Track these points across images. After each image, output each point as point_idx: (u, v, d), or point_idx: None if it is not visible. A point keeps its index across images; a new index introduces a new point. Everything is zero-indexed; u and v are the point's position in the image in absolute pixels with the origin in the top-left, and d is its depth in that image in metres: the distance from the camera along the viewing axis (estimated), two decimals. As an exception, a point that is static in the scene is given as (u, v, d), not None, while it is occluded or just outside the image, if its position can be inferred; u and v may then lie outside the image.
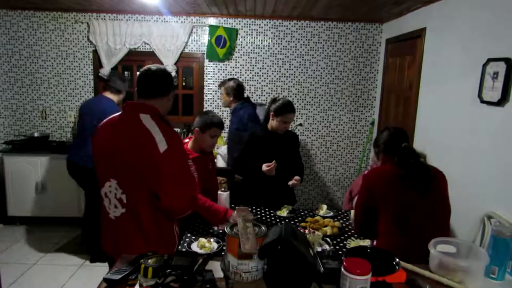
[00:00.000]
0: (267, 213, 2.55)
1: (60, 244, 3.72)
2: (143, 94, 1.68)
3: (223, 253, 1.57)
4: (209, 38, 4.21)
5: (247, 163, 2.65)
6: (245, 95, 3.58)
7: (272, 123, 2.63)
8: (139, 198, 1.62)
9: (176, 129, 4.27)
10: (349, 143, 4.56)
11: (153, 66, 1.73)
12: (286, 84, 4.42)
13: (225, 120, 4.42)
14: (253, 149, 2.65)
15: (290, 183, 2.65)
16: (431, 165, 1.92)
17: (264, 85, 4.42)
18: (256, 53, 4.35)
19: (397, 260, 1.43)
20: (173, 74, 4.29)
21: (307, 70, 4.39)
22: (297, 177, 2.65)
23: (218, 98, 4.43)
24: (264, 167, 2.51)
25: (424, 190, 1.81)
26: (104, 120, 1.76)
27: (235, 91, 3.41)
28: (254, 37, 4.32)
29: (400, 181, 1.81)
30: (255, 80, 4.40)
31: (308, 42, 4.32)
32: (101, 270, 3.11)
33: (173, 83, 1.76)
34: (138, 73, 1.72)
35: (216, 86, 4.41)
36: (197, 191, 1.71)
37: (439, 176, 1.91)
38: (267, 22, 4.28)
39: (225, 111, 4.43)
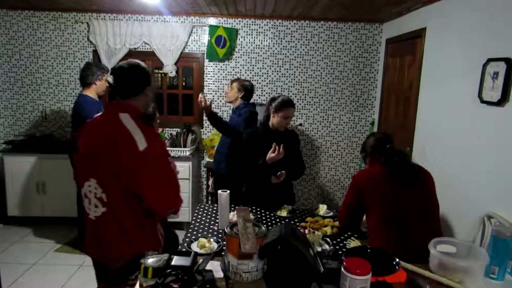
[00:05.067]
0: (267, 213, 2.55)
1: (60, 244, 3.72)
2: (121, 94, 1.68)
3: (223, 253, 1.57)
4: (209, 38, 4.21)
5: (251, 161, 2.63)
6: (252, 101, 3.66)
7: (274, 120, 2.64)
8: (118, 197, 1.61)
9: (176, 129, 4.31)
10: (349, 143, 4.56)
11: (125, 64, 1.69)
12: (286, 84, 4.42)
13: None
14: (255, 148, 2.65)
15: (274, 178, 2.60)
16: (416, 163, 2.02)
17: (264, 85, 4.42)
18: (256, 53, 4.35)
19: (397, 260, 1.44)
20: (173, 74, 4.29)
21: (307, 70, 4.39)
22: (282, 172, 2.60)
23: (218, 98, 4.43)
24: (270, 153, 2.48)
25: (411, 186, 1.88)
26: (87, 121, 1.76)
27: (248, 92, 3.50)
28: (254, 37, 4.32)
29: (388, 179, 1.90)
30: (255, 80, 4.39)
31: (308, 42, 4.32)
32: (101, 270, 3.11)
33: (148, 78, 1.71)
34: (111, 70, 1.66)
35: (216, 86, 4.41)
36: (179, 190, 1.70)
37: (425, 174, 1.99)
38: (267, 22, 4.28)
39: (225, 110, 4.43)
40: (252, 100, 4.27)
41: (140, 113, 1.66)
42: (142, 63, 1.72)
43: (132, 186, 1.56)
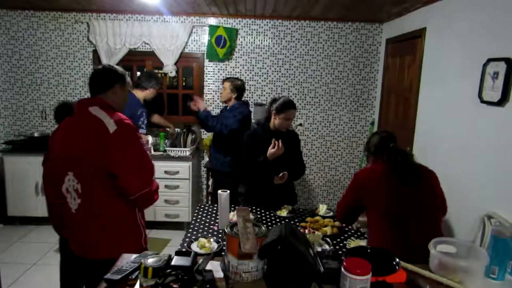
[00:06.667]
0: (267, 213, 2.55)
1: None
2: (91, 92, 1.79)
3: (223, 253, 1.57)
4: (209, 38, 4.21)
5: (252, 160, 2.63)
6: (244, 99, 3.70)
7: (275, 121, 2.64)
8: (93, 187, 1.67)
9: (176, 129, 4.30)
10: (349, 143, 4.55)
11: (100, 66, 1.83)
12: (286, 84, 4.42)
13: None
14: (256, 149, 2.65)
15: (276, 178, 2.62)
16: (419, 163, 1.99)
17: (264, 85, 4.42)
18: (256, 53, 4.35)
19: (397, 260, 1.43)
20: (173, 74, 4.29)
21: (307, 70, 4.39)
22: (284, 173, 2.62)
23: (218, 98, 4.43)
24: (270, 149, 2.51)
25: (412, 186, 1.87)
26: (61, 122, 1.83)
27: (240, 91, 3.54)
28: (254, 37, 4.32)
29: (389, 178, 1.89)
30: (255, 80, 4.40)
31: (308, 42, 4.32)
32: (101, 270, 3.10)
33: (117, 76, 1.80)
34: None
35: (216, 86, 4.41)
36: (153, 171, 1.77)
37: (428, 174, 1.97)
38: (267, 22, 4.28)
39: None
40: (251, 100, 4.31)
41: (108, 104, 1.74)
42: (114, 66, 1.84)
43: (109, 168, 1.62)
